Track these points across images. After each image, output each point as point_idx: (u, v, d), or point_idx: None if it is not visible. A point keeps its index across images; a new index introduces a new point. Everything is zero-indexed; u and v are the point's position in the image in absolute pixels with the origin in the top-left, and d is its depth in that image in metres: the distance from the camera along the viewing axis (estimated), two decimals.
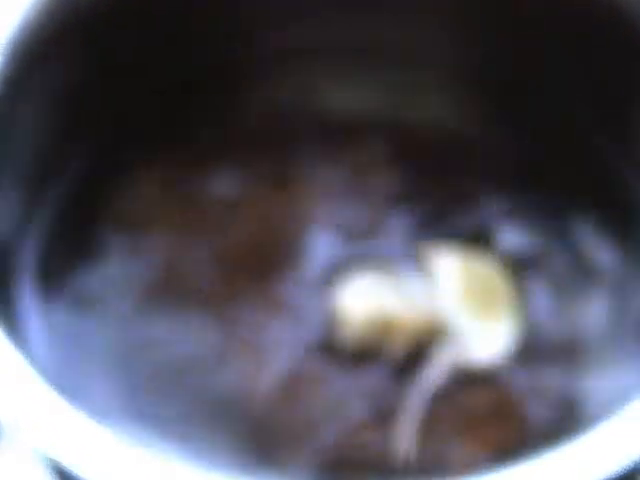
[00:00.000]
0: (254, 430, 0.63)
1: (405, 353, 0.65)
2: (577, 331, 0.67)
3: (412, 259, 0.70)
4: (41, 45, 0.67)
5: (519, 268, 0.70)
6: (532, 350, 0.66)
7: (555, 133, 0.75)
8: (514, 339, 0.67)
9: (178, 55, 0.76)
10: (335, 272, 0.70)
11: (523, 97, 0.77)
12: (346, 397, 0.64)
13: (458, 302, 0.68)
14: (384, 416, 0.63)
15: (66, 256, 0.70)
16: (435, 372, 0.64)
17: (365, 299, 0.67)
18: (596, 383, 0.65)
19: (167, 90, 0.77)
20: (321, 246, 0.71)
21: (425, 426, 0.63)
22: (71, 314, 0.68)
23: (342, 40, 0.79)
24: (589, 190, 0.73)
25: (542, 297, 0.69)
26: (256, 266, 0.70)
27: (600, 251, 0.70)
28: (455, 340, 0.66)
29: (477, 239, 0.71)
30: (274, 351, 0.66)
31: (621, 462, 0.47)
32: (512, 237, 0.71)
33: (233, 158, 0.75)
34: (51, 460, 0.49)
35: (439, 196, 0.73)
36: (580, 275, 0.70)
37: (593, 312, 0.68)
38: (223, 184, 0.74)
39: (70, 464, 0.48)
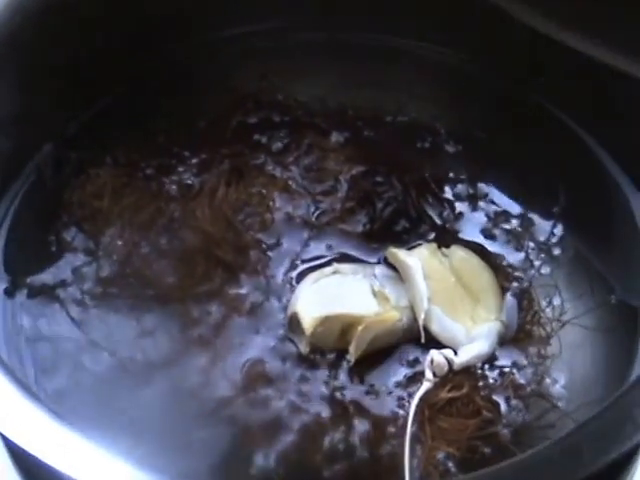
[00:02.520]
0: (215, 428, 0.61)
1: (363, 353, 0.64)
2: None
3: (377, 256, 0.69)
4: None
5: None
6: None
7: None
8: (493, 337, 0.65)
9: (138, 48, 0.76)
10: (295, 270, 0.68)
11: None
12: (304, 396, 0.63)
13: (433, 302, 0.66)
14: (342, 415, 0.62)
15: (25, 251, 0.70)
16: (428, 376, 0.62)
17: (324, 299, 0.65)
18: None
19: (123, 88, 0.77)
20: (280, 242, 0.70)
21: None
22: (30, 308, 0.66)
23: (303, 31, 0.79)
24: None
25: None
26: (214, 263, 0.68)
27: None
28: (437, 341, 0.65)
29: (446, 231, 0.71)
30: (231, 351, 0.65)
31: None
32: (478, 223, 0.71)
33: (190, 152, 0.74)
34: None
35: (403, 185, 0.72)
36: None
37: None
38: (181, 179, 0.73)
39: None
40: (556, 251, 0.69)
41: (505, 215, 0.72)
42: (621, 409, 0.49)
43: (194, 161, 0.73)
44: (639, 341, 0.64)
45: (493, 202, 0.72)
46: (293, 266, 0.69)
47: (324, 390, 0.63)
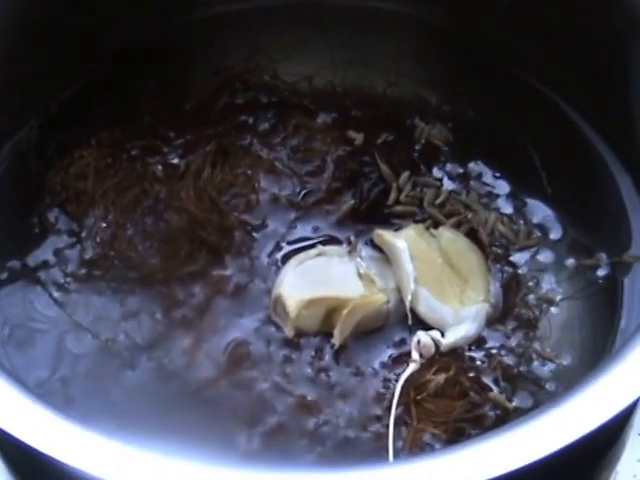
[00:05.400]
0: (199, 410, 0.61)
1: (347, 335, 0.63)
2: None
3: (364, 237, 0.69)
4: None
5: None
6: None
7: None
8: (480, 319, 0.64)
9: (120, 25, 0.75)
10: (280, 252, 0.68)
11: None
12: (289, 378, 0.62)
13: (420, 283, 0.65)
14: (327, 396, 0.62)
15: (8, 233, 0.69)
16: (414, 357, 0.62)
17: (309, 281, 0.64)
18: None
19: (108, 68, 0.76)
20: (266, 224, 0.69)
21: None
22: (13, 290, 0.66)
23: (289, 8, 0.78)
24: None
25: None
26: (198, 244, 0.68)
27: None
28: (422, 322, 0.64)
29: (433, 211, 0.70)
30: (216, 332, 0.64)
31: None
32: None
33: (176, 133, 0.73)
34: None
35: (391, 167, 0.71)
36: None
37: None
38: (166, 160, 0.72)
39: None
40: (545, 231, 0.69)
41: (495, 195, 0.71)
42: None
43: (179, 142, 0.73)
44: (622, 318, 0.63)
45: (483, 181, 0.71)
46: (278, 248, 0.68)
47: (309, 371, 0.62)
